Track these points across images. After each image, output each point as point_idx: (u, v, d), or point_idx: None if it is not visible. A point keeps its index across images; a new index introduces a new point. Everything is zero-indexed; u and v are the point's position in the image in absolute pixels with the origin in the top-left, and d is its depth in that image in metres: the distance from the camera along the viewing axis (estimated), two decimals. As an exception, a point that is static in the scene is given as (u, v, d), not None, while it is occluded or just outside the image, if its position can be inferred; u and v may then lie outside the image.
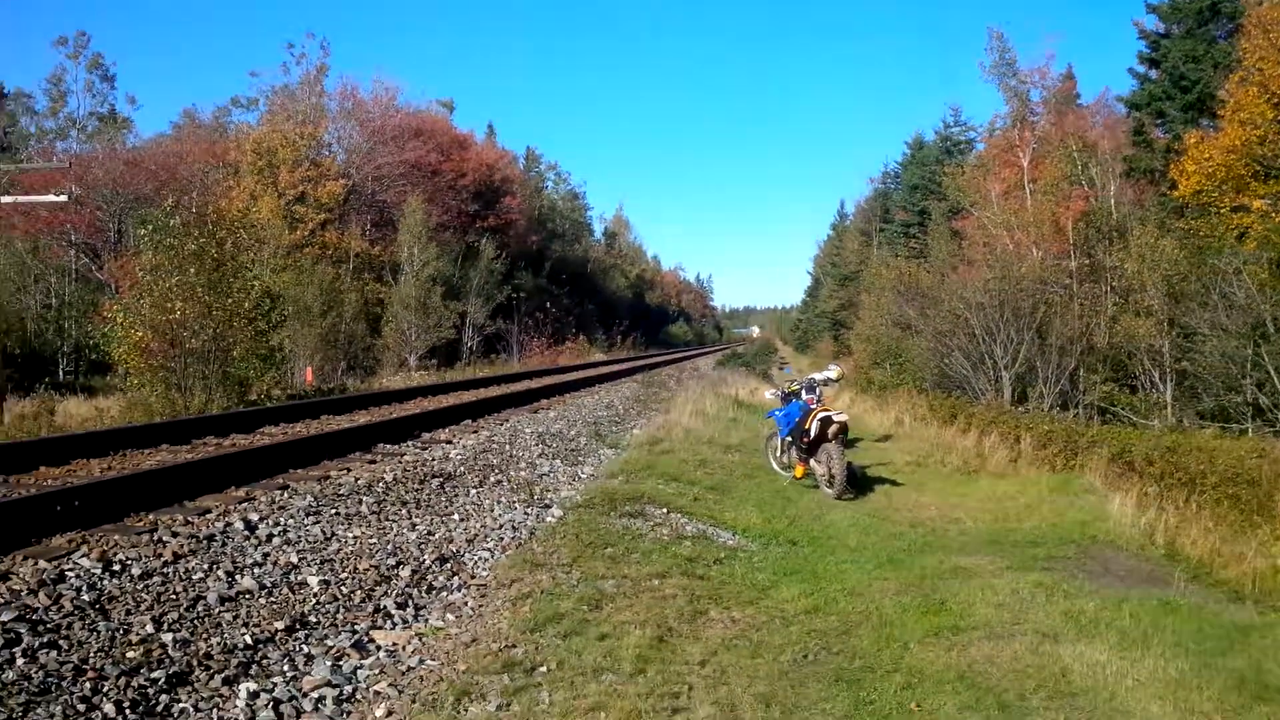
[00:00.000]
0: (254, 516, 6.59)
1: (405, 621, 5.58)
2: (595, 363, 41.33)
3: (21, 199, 20.21)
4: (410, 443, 10.78)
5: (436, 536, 7.13)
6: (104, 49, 72.85)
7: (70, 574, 5.32)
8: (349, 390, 21.69)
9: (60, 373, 27.53)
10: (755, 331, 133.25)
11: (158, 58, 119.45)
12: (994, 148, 28.55)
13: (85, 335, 24.37)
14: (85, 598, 5.00)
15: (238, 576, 5.59)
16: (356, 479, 8.25)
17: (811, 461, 11.58)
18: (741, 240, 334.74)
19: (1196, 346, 17.65)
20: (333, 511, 7.14)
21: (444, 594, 6.09)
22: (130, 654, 4.48)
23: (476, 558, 6.85)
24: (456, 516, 7.82)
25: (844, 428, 11.43)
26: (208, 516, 6.61)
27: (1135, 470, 12.53)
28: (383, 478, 8.39)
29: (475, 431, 12.28)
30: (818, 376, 13.41)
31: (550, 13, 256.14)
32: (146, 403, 15.22)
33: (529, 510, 8.44)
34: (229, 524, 6.40)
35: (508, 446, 11.41)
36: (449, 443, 11.06)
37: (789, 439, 12.21)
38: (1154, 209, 21.74)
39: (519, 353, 41.69)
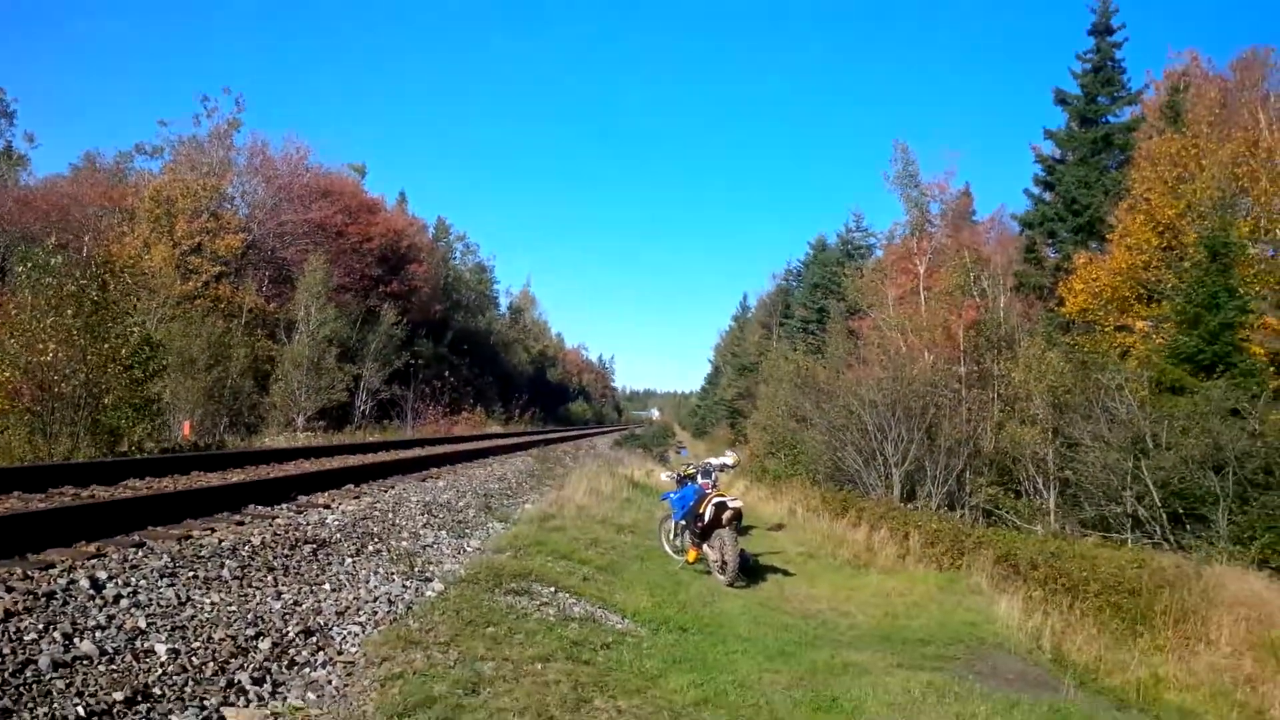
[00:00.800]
0: (102, 575, 5.96)
1: (261, 699, 5.05)
2: (492, 434, 40.62)
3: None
4: (285, 505, 10.20)
5: (303, 607, 6.60)
6: (5, 84, 70.37)
7: None
8: (227, 447, 20.69)
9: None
10: (655, 414, 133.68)
11: (63, 97, 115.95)
12: (892, 254, 29.46)
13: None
14: (-116, 659, 4.36)
15: (76, 640, 4.99)
16: (220, 540, 7.65)
17: (705, 546, 11.40)
18: (644, 325, 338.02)
19: (1079, 456, 18.17)
20: (190, 574, 6.55)
21: (306, 670, 5.57)
22: (-71, 726, 3.89)
23: (346, 632, 6.35)
24: (328, 586, 7.30)
25: (738, 514, 11.30)
26: (50, 572, 5.95)
27: (1019, 573, 12.72)
28: (250, 540, 7.81)
29: (357, 498, 11.73)
30: (714, 461, 13.35)
31: (470, 85, 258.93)
32: (8, 447, 14.14)
33: (408, 583, 7.97)
34: (73, 581, 5.77)
35: (390, 514, 10.91)
36: (327, 507, 10.49)
37: (683, 522, 12.03)
38: (1042, 323, 22.59)
39: (413, 420, 40.73)
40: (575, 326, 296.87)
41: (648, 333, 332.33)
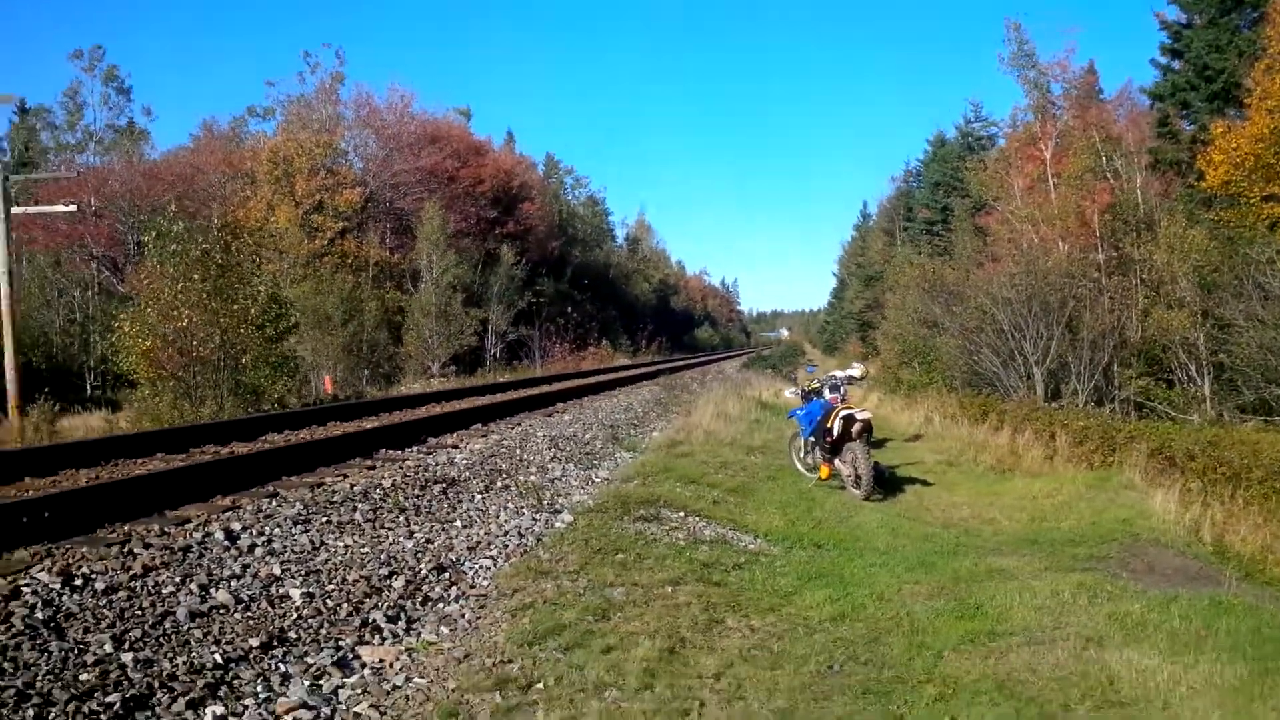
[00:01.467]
0: (236, 526, 6.20)
1: (395, 636, 5.15)
2: (618, 367, 41.00)
3: (31, 210, 20.04)
4: (415, 448, 10.45)
5: (435, 545, 6.73)
6: (119, 61, 73.49)
7: (26, 590, 4.92)
8: (365, 398, 21.43)
9: (88, 387, 27.50)
10: (784, 334, 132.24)
11: (174, 70, 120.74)
12: (1016, 141, 28.00)
13: (108, 348, 24.32)
14: (39, 615, 4.60)
15: (212, 590, 5.19)
16: (352, 485, 7.87)
17: (836, 462, 11.17)
18: (767, 244, 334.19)
19: (1233, 338, 17.07)
20: (323, 520, 6.75)
21: (439, 606, 5.67)
22: (84, 676, 4.07)
23: (477, 566, 6.45)
24: (458, 523, 7.43)
25: (867, 426, 10.98)
26: (186, 527, 6.22)
27: (1176, 466, 12.08)
28: (380, 484, 8.02)
29: (484, 436, 11.95)
30: (839, 374, 13.03)
31: (570, 18, 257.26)
32: (156, 412, 14.95)
33: (537, 516, 8.05)
34: (208, 534, 6.01)
35: (518, 450, 11.07)
36: (455, 447, 10.71)
37: (812, 439, 11.80)
38: (1182, 200, 21.19)
39: (541, 359, 41.42)
40: (695, 252, 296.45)
41: (770, 252, 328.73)
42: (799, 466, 12.33)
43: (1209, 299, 18.01)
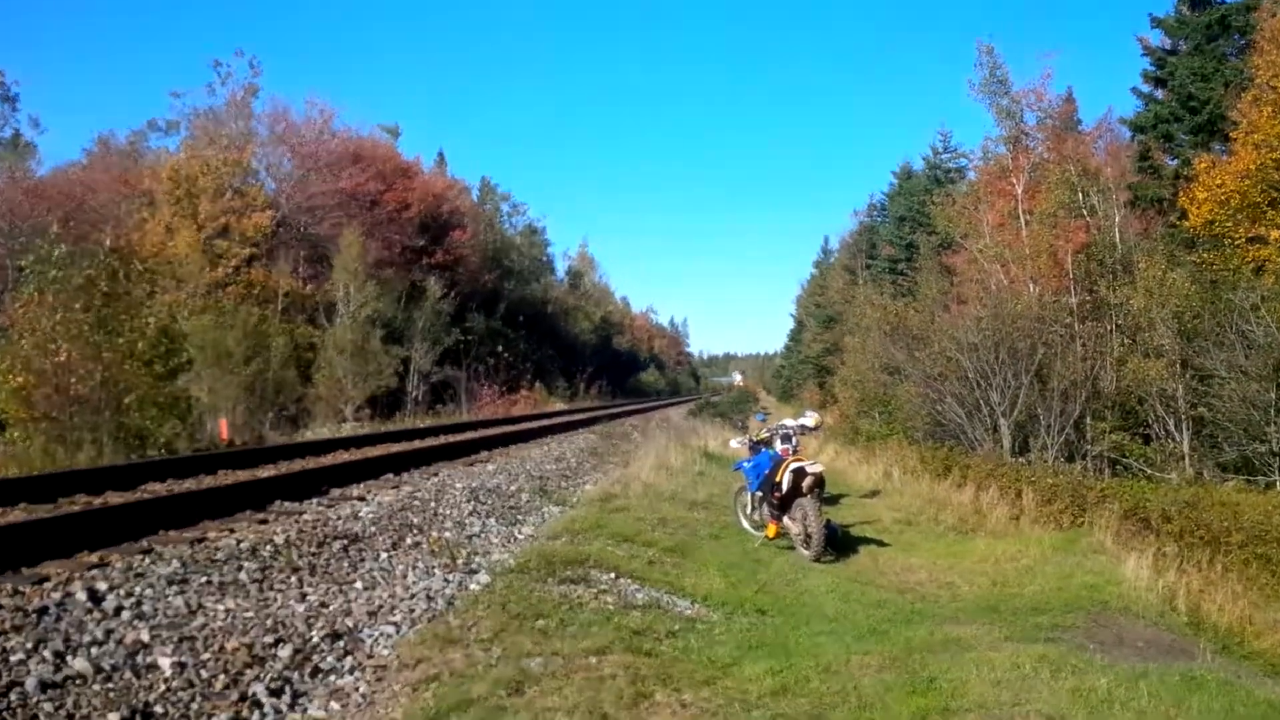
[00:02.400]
0: (102, 586, 5.99)
1: (277, 712, 5.00)
2: (554, 413, 40.83)
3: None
4: (315, 500, 10.28)
5: (331, 609, 6.58)
6: (5, 66, 72.20)
7: None
8: (266, 443, 21.05)
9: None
10: (736, 379, 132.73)
11: (69, 78, 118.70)
12: (986, 175, 28.63)
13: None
14: None
15: (69, 658, 4.99)
16: (239, 541, 7.70)
17: (785, 519, 11.18)
18: (720, 282, 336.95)
19: (1214, 390, 17.49)
20: (203, 580, 6.57)
21: (331, 678, 5.51)
22: (-96, 761, 3.87)
23: (377, 633, 6.30)
24: (359, 584, 7.29)
25: (819, 480, 11.02)
26: (43, 586, 6.00)
27: (1151, 528, 12.33)
28: (272, 539, 7.85)
29: (396, 487, 11.81)
30: (791, 423, 13.10)
31: (512, 33, 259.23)
32: (26, 457, 14.49)
33: (450, 576, 7.93)
34: (69, 594, 5.80)
35: (432, 503, 10.95)
36: (361, 499, 10.56)
37: (759, 494, 11.83)
38: (1162, 241, 21.75)
39: (468, 403, 41.09)
40: (642, 289, 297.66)
41: (724, 292, 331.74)
42: (745, 524, 12.32)
43: (1189, 347, 18.43)
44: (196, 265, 31.69)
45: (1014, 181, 25.97)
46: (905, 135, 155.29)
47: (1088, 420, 19.99)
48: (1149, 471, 18.31)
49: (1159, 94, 24.74)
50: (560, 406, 49.09)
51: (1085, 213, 23.74)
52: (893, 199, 46.86)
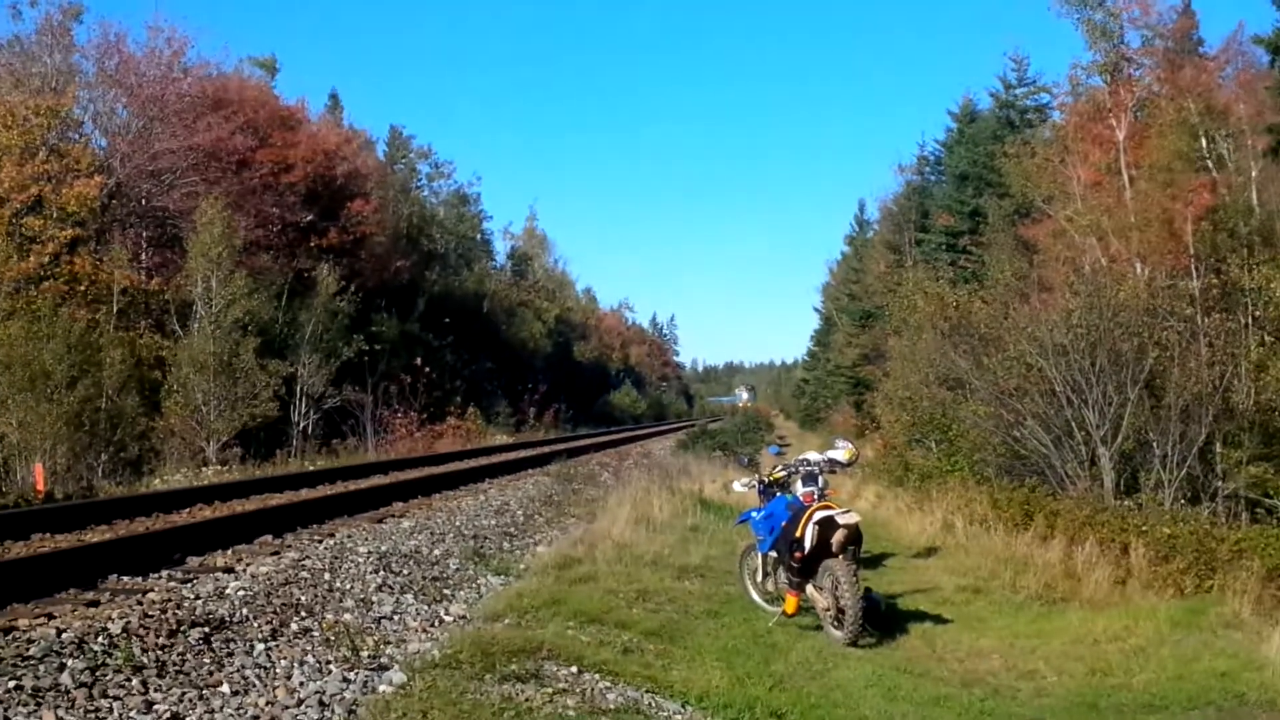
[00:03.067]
0: None
1: None
2: (493, 448, 40.79)
3: None
4: (166, 572, 10.24)
5: (187, 723, 6.57)
6: None
7: None
8: (97, 495, 20.94)
9: None
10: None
11: None
12: (1076, 116, 28.73)
13: None
14: None
15: None
16: (60, 631, 7.70)
17: (810, 588, 11.22)
18: (720, 273, 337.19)
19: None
20: (11, 684, 6.59)
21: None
22: None
23: (251, 756, 6.31)
24: (226, 688, 7.31)
25: (854, 534, 11.04)
26: None
27: (1303, 592, 12.35)
28: (106, 628, 7.87)
29: (276, 554, 11.81)
30: (816, 457, 13.06)
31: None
32: None
33: (351, 674, 7.97)
34: None
35: (326, 575, 10.97)
36: (229, 571, 10.56)
37: (774, 554, 11.84)
38: (1318, 201, 21.88)
39: (376, 437, 40.94)
40: (613, 282, 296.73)
41: (725, 283, 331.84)
42: (754, 595, 12.39)
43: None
44: (0, 252, 31.48)
45: (1113, 124, 26.12)
46: (966, 63, 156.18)
47: (1217, 447, 20.02)
48: (1302, 516, 18.43)
49: (1310, 3, 24.90)
50: (503, 439, 48.99)
51: (1211, 165, 23.86)
52: (951, 150, 47.05)
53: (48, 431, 25.15)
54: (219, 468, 30.36)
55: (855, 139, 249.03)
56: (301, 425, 39.31)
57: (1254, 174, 23.37)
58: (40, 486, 22.04)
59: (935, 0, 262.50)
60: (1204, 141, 23.86)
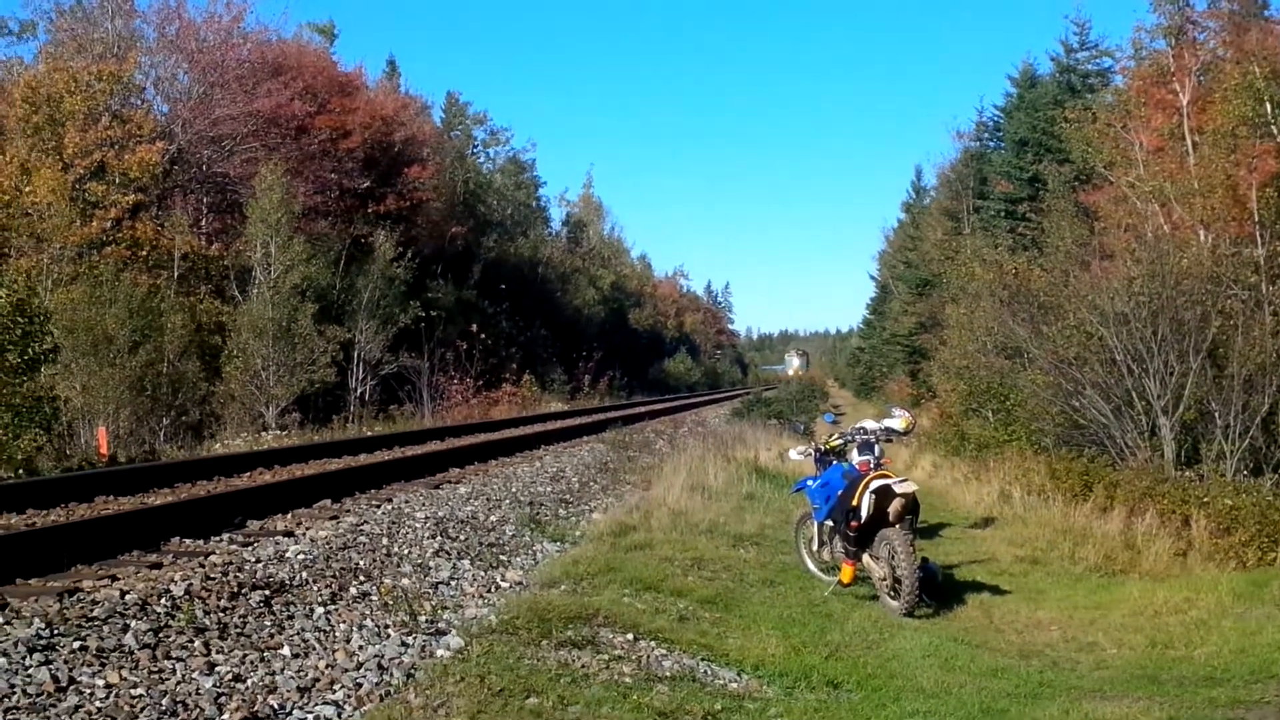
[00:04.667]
0: (-63, 654, 6.09)
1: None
2: (549, 415, 40.90)
3: None
4: (227, 535, 10.37)
5: (248, 685, 6.67)
6: None
7: None
8: (161, 458, 21.17)
9: None
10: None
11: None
12: (1139, 80, 28.32)
13: None
14: None
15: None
16: (124, 593, 7.81)
17: (866, 558, 11.18)
18: (776, 241, 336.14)
19: None
20: (76, 645, 6.69)
21: (248, 780, 5.58)
22: None
23: (311, 717, 6.36)
24: (286, 650, 7.40)
25: (911, 504, 11.00)
26: None
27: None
28: (169, 590, 7.96)
29: (335, 518, 11.91)
30: (872, 425, 13.01)
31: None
32: None
33: (409, 639, 8.03)
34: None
35: (384, 540, 11.03)
36: (289, 535, 10.67)
37: (830, 524, 11.81)
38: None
39: (432, 402, 41.13)
40: (668, 249, 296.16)
41: (781, 251, 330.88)
42: (809, 564, 12.38)
43: None
44: (63, 218, 31.70)
45: (1177, 89, 25.73)
46: (1027, 25, 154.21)
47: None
48: (1367, 488, 18.16)
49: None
50: (558, 406, 49.06)
51: (1276, 131, 23.47)
52: (1010, 115, 46.49)
53: (110, 395, 25.44)
54: (278, 432, 30.63)
55: (913, 105, 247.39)
56: (359, 391, 39.60)
57: (1321, 139, 22.98)
58: (103, 450, 22.29)
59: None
60: (1269, 107, 23.44)
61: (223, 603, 7.98)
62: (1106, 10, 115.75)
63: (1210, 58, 26.01)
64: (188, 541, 9.91)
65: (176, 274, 34.99)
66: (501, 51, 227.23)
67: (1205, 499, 15.48)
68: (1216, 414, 19.42)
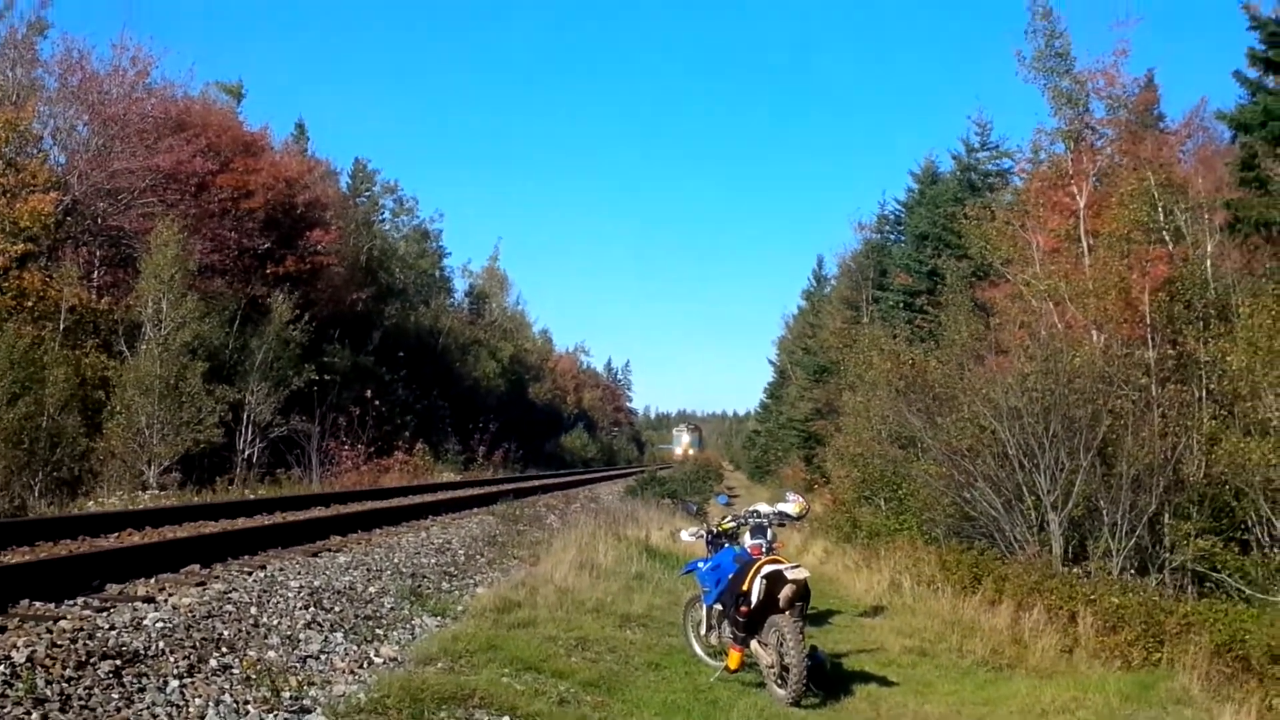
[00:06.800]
0: None
1: None
2: (440, 485, 40.45)
3: None
4: (82, 599, 9.91)
5: (86, 764, 6.19)
6: None
7: None
8: (26, 514, 20.49)
9: None
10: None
11: None
12: (1038, 181, 28.78)
13: None
14: None
15: None
16: (-41, 658, 7.35)
17: (754, 644, 10.96)
18: (677, 321, 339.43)
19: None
20: (-105, 715, 6.23)
21: None
22: None
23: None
24: (133, 727, 6.91)
25: (802, 590, 10.77)
26: None
27: (1253, 670, 12.27)
28: (9, 656, 7.56)
29: (202, 584, 11.52)
30: (764, 509, 12.91)
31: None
32: None
33: (269, 717, 7.69)
34: None
35: (253, 609, 10.70)
36: (149, 601, 10.29)
37: (718, 607, 11.58)
38: (1272, 278, 21.89)
39: (321, 467, 40.44)
40: (569, 325, 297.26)
41: (680, 333, 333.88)
42: (697, 648, 12.16)
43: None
44: (-52, 265, 30.99)
45: (1075, 192, 26.13)
46: (930, 123, 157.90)
47: (1166, 518, 19.92)
48: (1249, 591, 18.27)
49: (1270, 82, 25.02)
50: (451, 477, 48.75)
51: (1168, 237, 23.88)
52: (911, 210, 47.30)
53: (-16, 448, 24.67)
54: (156, 492, 29.89)
55: (815, 196, 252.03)
56: (247, 453, 38.82)
57: (1210, 247, 23.41)
58: (-32, 503, 21.54)
59: (901, 62, 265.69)
60: (1162, 213, 23.87)
61: (68, 672, 7.60)
62: (1006, 111, 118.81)
63: (1107, 163, 26.49)
64: (38, 604, 9.50)
65: (63, 326, 34.14)
66: (413, 119, 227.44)
67: (1092, 596, 15.56)
68: (1104, 512, 19.57)
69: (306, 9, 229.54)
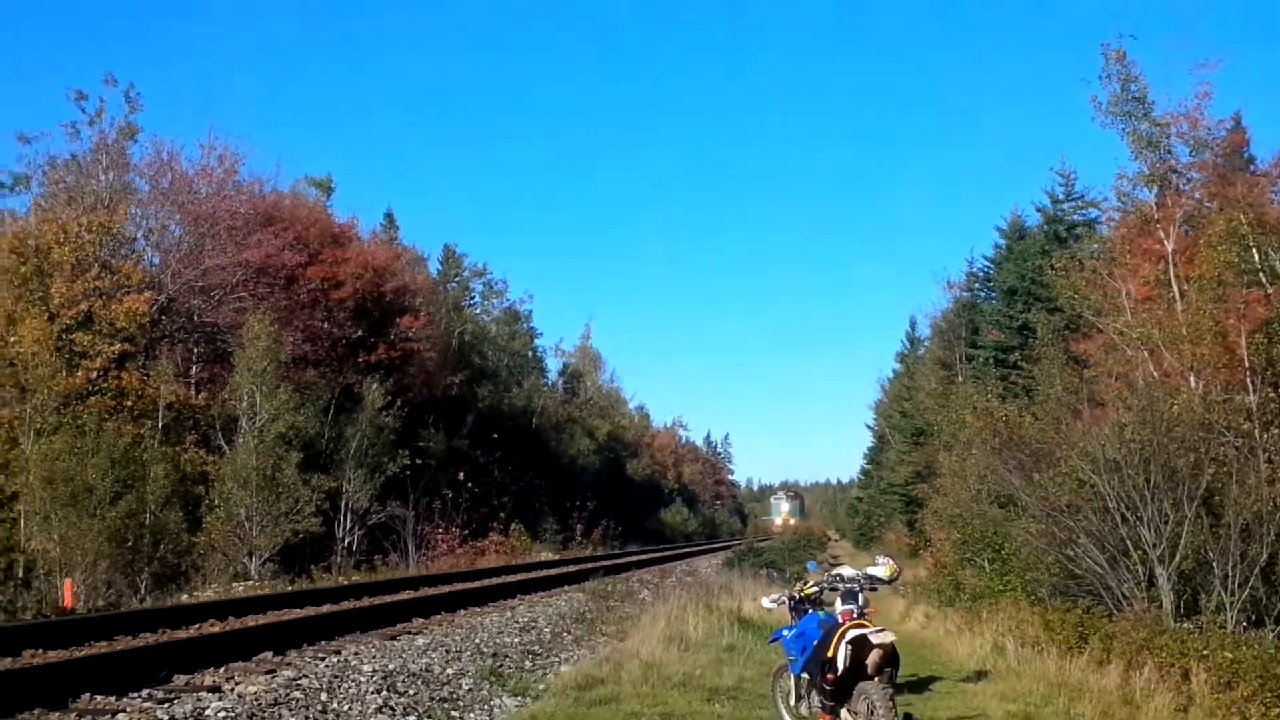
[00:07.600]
0: None
1: None
2: (536, 564, 40.22)
3: None
4: (146, 690, 9.70)
5: None
6: None
7: None
8: (121, 609, 20.55)
9: None
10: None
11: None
12: (1123, 229, 28.21)
13: None
14: None
15: None
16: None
17: (844, 713, 10.44)
18: (774, 393, 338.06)
19: None
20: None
21: None
22: None
23: None
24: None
25: (890, 655, 10.27)
26: None
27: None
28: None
29: (271, 672, 11.29)
30: (849, 573, 12.42)
31: (492, 57, 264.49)
32: None
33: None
34: None
35: (322, 695, 10.43)
36: (214, 690, 10.02)
37: (805, 675, 11.14)
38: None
39: (416, 551, 40.40)
40: (666, 400, 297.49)
41: (779, 403, 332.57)
42: (787, 719, 11.71)
43: None
44: (48, 368, 31.40)
45: (1162, 237, 25.53)
46: (1014, 178, 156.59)
47: (1279, 568, 19.18)
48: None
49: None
50: (548, 556, 48.55)
51: (1264, 278, 23.21)
52: (999, 265, 46.78)
53: (89, 547, 24.97)
54: (253, 582, 29.92)
55: (907, 256, 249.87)
56: (346, 541, 38.92)
57: (1310, 285, 22.74)
58: (68, 602, 21.67)
59: (983, 121, 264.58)
60: (1257, 254, 23.22)
61: (122, 768, 7.30)
62: (1090, 161, 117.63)
63: (1194, 207, 25.86)
64: (99, 698, 9.31)
65: (161, 424, 34.53)
66: (502, 203, 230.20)
67: (1205, 651, 14.85)
68: (1214, 563, 18.82)
69: (394, 99, 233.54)
